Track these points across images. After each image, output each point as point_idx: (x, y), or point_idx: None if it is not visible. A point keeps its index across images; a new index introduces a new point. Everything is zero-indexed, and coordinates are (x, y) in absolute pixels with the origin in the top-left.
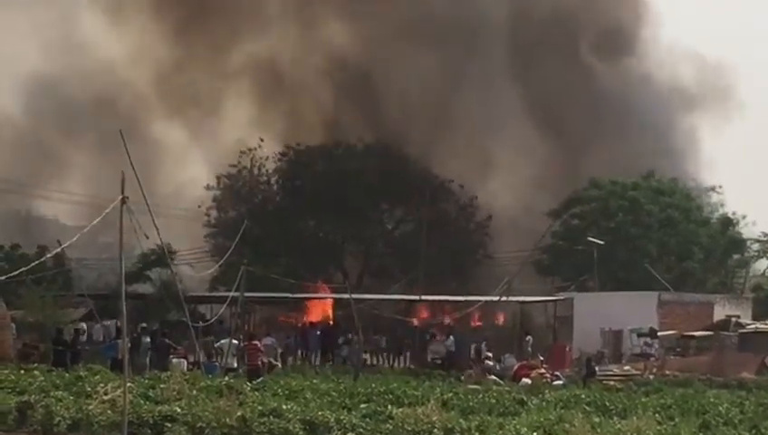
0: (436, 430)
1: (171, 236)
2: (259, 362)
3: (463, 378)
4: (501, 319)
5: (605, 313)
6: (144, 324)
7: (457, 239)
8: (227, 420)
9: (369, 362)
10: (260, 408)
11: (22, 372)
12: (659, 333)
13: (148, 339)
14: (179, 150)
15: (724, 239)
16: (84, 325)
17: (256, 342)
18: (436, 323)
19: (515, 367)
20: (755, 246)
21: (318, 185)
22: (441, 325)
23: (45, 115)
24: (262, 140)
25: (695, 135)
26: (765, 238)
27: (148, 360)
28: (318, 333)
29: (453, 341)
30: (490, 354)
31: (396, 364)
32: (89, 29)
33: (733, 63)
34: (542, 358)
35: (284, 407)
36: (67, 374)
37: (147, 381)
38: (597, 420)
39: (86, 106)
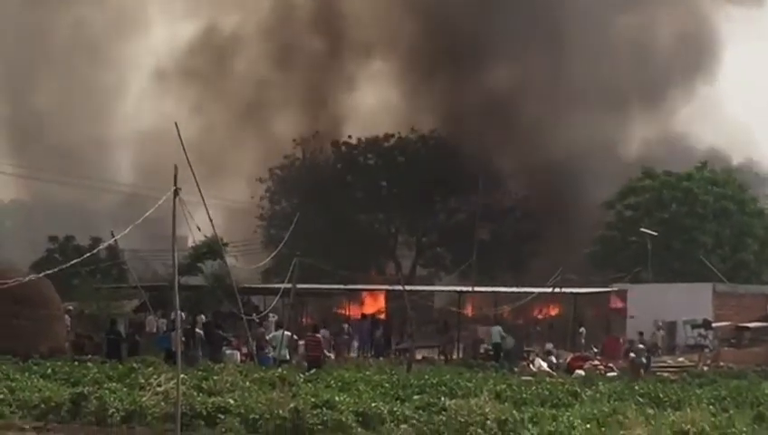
0: (489, 422)
1: (224, 228)
2: (320, 354)
3: (516, 370)
4: (555, 311)
5: (659, 304)
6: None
7: (511, 230)
8: (280, 411)
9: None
10: (313, 399)
11: (75, 363)
12: (714, 325)
13: (202, 332)
14: (232, 140)
15: None
16: (152, 317)
17: (318, 335)
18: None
19: (569, 359)
20: None
21: (370, 176)
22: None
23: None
24: (317, 132)
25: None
26: None
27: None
28: (370, 325)
29: (498, 331)
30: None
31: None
32: None
33: None
34: (595, 350)
35: (337, 398)
36: (120, 366)
37: (200, 372)
38: (650, 411)
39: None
